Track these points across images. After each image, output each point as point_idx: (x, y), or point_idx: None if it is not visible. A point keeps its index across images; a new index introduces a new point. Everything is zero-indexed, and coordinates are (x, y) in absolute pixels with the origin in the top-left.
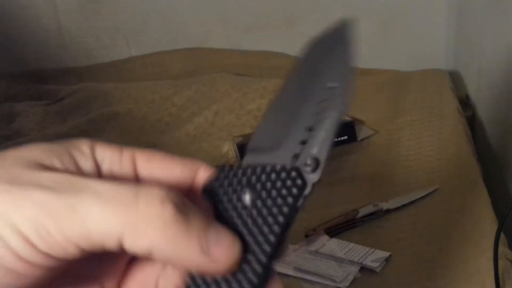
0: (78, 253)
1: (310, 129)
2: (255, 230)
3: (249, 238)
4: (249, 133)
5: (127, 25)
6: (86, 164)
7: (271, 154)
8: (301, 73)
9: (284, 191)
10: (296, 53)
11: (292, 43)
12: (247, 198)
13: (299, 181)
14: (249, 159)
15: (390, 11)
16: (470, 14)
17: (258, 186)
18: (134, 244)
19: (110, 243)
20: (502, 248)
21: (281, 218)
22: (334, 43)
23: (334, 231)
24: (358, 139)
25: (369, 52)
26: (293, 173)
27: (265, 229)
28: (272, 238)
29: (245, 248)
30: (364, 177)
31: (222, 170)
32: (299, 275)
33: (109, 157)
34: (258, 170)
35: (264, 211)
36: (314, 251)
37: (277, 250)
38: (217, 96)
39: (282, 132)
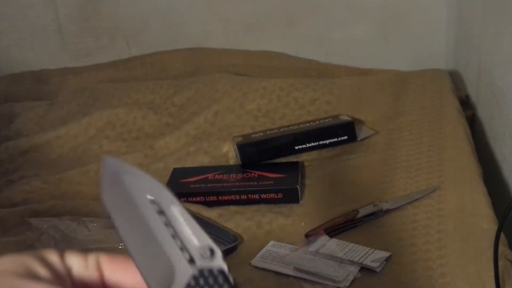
0: None
1: (174, 236)
2: None
3: None
4: (249, 133)
5: (127, 25)
6: (61, 271)
7: (174, 281)
8: (124, 219)
9: None
10: (296, 53)
11: (292, 43)
12: None
13: (215, 272)
14: None
15: (390, 11)
16: (470, 14)
17: None
18: None
19: None
20: (502, 248)
21: None
22: (112, 181)
23: (334, 231)
24: (358, 139)
25: (369, 52)
26: (205, 272)
27: None
28: None
29: None
30: (364, 177)
31: None
32: (299, 275)
33: (77, 262)
34: None
35: None
36: (314, 251)
37: None
38: (217, 96)
39: (161, 263)
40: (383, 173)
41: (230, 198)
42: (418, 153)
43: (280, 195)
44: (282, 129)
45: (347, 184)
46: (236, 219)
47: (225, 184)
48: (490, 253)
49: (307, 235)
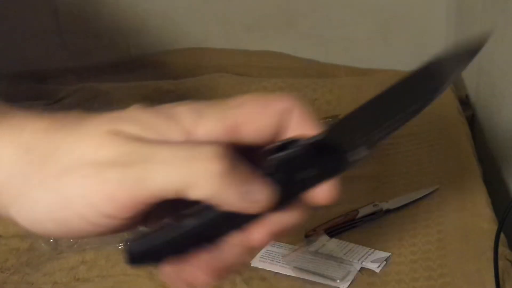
0: (145, 207)
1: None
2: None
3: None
4: None
5: (127, 25)
6: None
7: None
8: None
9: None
10: (296, 53)
11: (292, 43)
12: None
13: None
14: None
15: (390, 11)
16: (470, 14)
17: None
18: (192, 195)
19: (170, 196)
20: (502, 248)
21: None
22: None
23: (334, 231)
24: None
25: (369, 52)
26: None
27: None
28: None
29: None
30: (364, 177)
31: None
32: (299, 275)
33: None
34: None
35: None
36: (314, 251)
37: None
38: (217, 96)
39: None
40: (383, 173)
41: None
42: (418, 153)
43: None
44: None
45: (347, 184)
46: None
47: None
48: (490, 253)
49: (307, 235)
